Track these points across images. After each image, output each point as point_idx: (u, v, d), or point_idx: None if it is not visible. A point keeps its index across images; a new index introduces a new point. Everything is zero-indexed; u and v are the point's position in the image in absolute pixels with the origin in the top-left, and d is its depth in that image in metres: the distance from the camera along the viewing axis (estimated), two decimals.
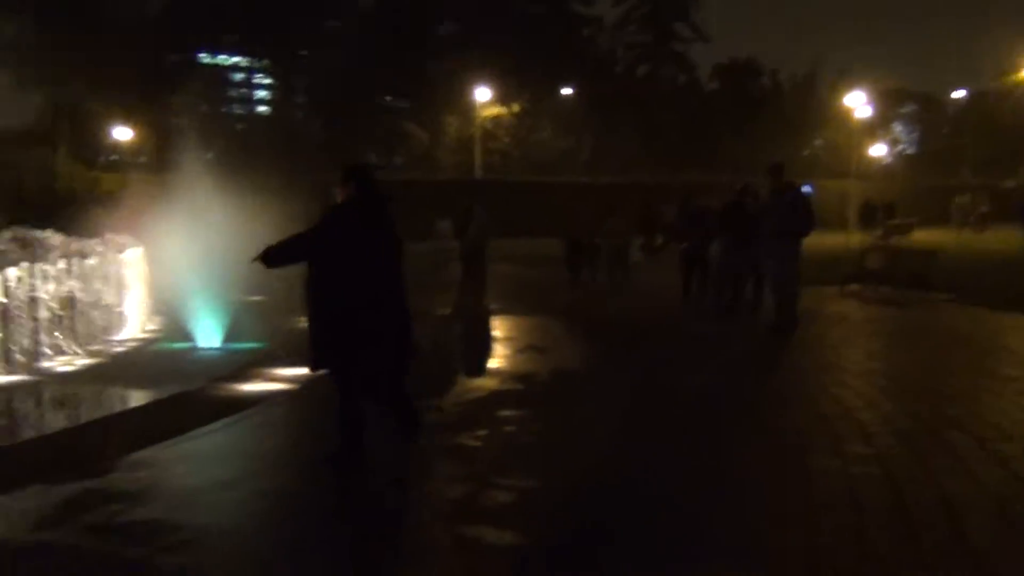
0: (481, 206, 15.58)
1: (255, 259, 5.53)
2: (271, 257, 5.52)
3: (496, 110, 48.48)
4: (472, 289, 15.56)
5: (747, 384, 8.67)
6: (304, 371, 6.53)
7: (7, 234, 11.53)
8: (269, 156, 39.85)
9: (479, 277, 15.96)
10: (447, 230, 25.47)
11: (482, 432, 6.67)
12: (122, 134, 46.06)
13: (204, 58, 57.40)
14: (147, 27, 44.80)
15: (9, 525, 4.71)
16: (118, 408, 7.82)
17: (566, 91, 50.88)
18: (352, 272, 5.44)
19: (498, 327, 13.02)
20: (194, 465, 5.91)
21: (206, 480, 5.55)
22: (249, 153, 48.59)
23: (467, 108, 47.09)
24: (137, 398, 8.13)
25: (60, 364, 9.77)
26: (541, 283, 19.18)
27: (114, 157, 48.56)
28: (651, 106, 53.33)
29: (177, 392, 7.84)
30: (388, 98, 53.52)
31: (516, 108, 49.29)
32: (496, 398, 7.94)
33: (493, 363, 9.98)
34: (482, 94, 45.30)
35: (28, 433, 7.06)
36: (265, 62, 59.26)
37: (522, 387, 8.46)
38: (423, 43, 46.26)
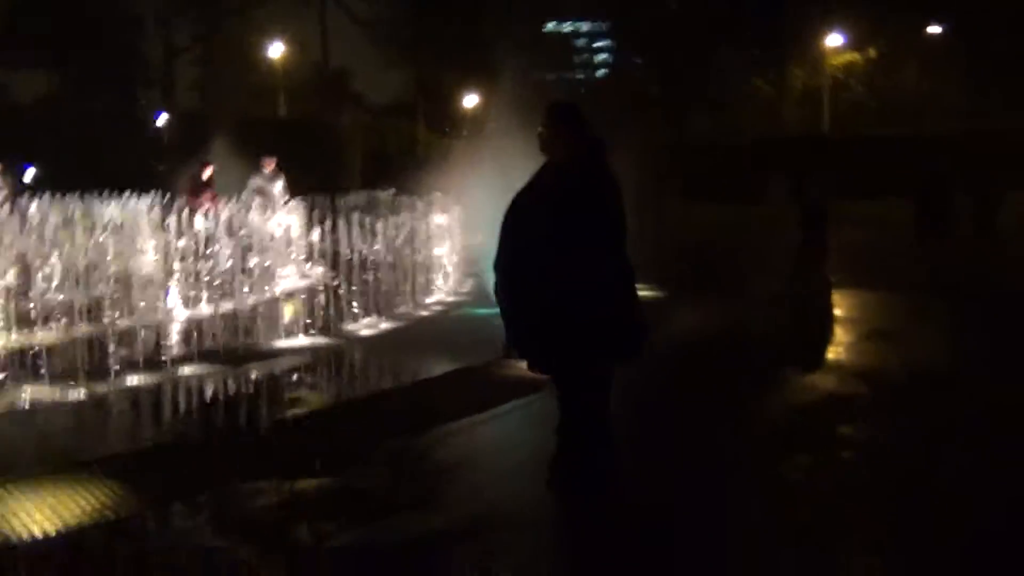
0: (822, 164, 13.70)
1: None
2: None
3: (849, 56, 43.91)
4: (810, 259, 13.75)
5: None
6: None
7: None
8: (607, 119, 39.59)
9: (819, 245, 14.09)
10: (783, 191, 23.36)
11: (807, 459, 5.12)
12: (470, 103, 48.58)
13: (549, 26, 58.85)
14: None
15: (192, 531, 4.10)
16: (390, 384, 7.33)
17: (934, 29, 44.62)
18: (562, 250, 4.26)
19: (839, 304, 11.07)
20: (452, 464, 5.07)
21: (459, 491, 4.66)
22: (588, 117, 48.99)
23: (815, 56, 43.12)
24: (416, 372, 7.62)
25: (363, 328, 9.63)
26: (891, 250, 16.51)
27: (465, 127, 51.46)
28: None
29: (459, 367, 7.15)
30: (730, 51, 50.80)
31: (872, 53, 44.27)
32: (832, 405, 6.30)
33: (831, 353, 8.24)
34: (833, 40, 41.13)
35: (284, 413, 6.54)
36: (604, 25, 59.10)
37: (866, 390, 6.68)
38: None
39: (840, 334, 9.20)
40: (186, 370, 7.35)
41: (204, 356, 7.80)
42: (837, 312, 10.58)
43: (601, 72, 64.29)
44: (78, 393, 6.62)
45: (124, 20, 46.30)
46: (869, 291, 11.83)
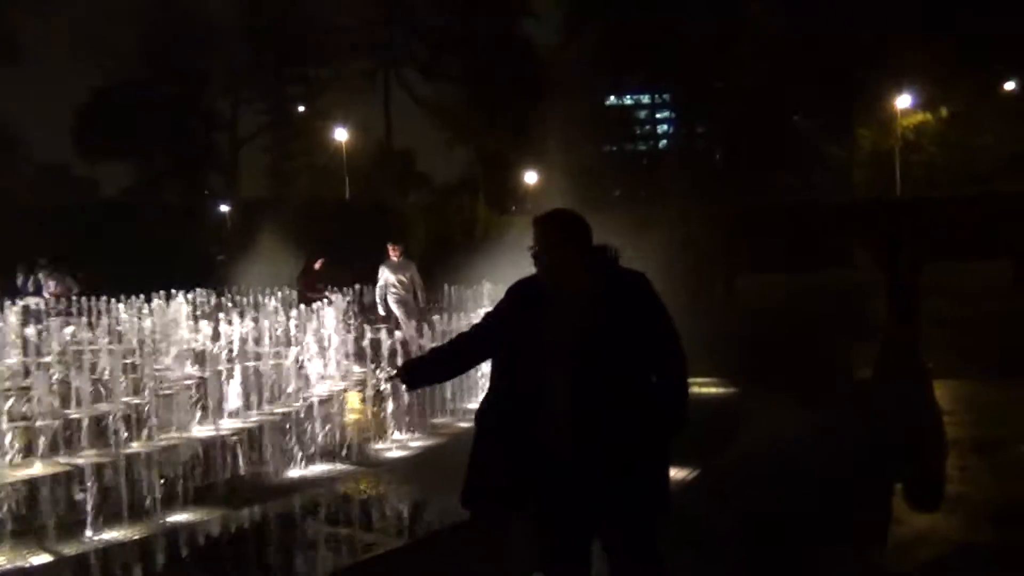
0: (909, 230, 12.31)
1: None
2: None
3: (919, 117, 42.34)
4: (901, 339, 12.24)
5: None
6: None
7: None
8: (672, 189, 38.70)
9: (911, 321, 12.53)
10: (867, 261, 21.81)
11: None
12: (531, 179, 48.12)
13: (610, 100, 58.80)
14: (560, 77, 46.04)
15: None
16: (400, 541, 5.85)
17: (1009, 86, 42.63)
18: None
19: (945, 399, 9.49)
20: None
21: None
22: (651, 188, 48.40)
23: (884, 118, 41.66)
24: (437, 518, 6.21)
25: (392, 447, 8.42)
26: (990, 324, 14.71)
27: (528, 204, 50.97)
28: None
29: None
30: (797, 116, 49.42)
31: (944, 113, 42.53)
32: (959, 564, 4.80)
33: (948, 479, 6.71)
34: (902, 101, 39.73)
35: None
36: (666, 96, 58.49)
37: (1009, 539, 5.11)
38: (840, 54, 41.23)
39: (953, 448, 7.63)
40: (169, 519, 6.23)
41: (199, 495, 6.73)
42: (944, 414, 8.97)
43: (662, 143, 63.76)
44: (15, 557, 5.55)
45: (198, 111, 47.44)
46: (976, 381, 10.26)
